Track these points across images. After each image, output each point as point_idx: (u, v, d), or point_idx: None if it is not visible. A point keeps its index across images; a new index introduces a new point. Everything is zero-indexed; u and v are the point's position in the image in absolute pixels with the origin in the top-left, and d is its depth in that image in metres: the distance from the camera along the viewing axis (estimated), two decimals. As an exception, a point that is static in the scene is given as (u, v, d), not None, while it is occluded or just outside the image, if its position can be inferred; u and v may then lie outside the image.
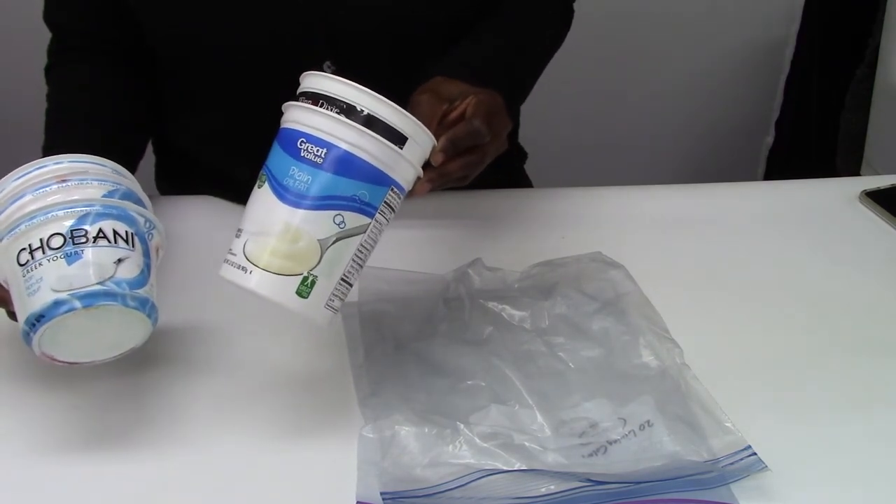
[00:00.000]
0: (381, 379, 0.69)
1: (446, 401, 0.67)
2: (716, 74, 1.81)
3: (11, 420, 0.66)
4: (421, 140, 0.60)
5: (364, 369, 0.70)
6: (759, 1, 1.73)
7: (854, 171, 1.57)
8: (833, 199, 0.95)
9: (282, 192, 0.57)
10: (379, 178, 0.58)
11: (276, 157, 0.58)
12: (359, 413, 0.67)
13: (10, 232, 0.58)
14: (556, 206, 0.93)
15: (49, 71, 0.86)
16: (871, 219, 0.92)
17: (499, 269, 0.80)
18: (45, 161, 0.62)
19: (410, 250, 0.83)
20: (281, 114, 0.61)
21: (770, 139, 1.89)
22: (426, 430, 0.64)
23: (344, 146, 0.57)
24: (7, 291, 0.61)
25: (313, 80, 0.59)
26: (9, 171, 0.62)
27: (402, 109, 0.58)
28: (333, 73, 0.78)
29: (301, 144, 0.57)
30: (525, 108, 0.95)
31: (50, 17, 0.87)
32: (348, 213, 0.58)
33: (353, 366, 0.71)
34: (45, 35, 0.88)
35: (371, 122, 0.57)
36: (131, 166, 0.83)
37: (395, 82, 0.61)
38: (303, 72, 0.61)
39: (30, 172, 0.61)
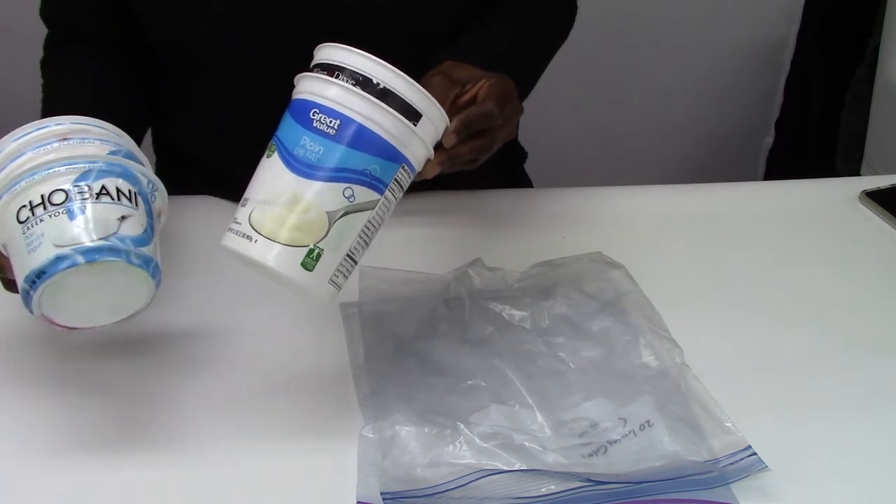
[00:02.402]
0: (381, 379, 0.69)
1: (446, 401, 0.67)
2: (716, 74, 1.81)
3: (11, 420, 0.66)
4: (435, 118, 0.59)
5: (364, 369, 0.70)
6: (759, 1, 1.73)
7: (854, 171, 1.57)
8: (833, 199, 0.95)
9: (292, 161, 0.56)
10: (391, 154, 0.58)
11: (287, 127, 0.58)
12: (359, 413, 0.67)
13: (9, 189, 0.57)
14: (556, 206, 0.93)
15: (45, 63, 0.86)
16: (871, 219, 0.92)
17: (499, 269, 0.80)
18: (46, 122, 0.60)
19: (410, 250, 0.83)
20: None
21: (770, 139, 1.89)
22: (426, 430, 0.64)
23: (358, 118, 0.56)
24: (6, 258, 0.59)
25: (329, 52, 0.58)
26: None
27: (418, 85, 0.58)
28: None
29: (314, 115, 0.57)
30: (525, 108, 0.94)
31: (47, 14, 0.86)
32: (358, 186, 0.57)
33: (353, 366, 0.71)
34: (43, 32, 0.87)
35: (386, 96, 0.57)
36: None
37: None
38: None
39: (30, 133, 0.60)
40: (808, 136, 1.79)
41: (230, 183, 0.89)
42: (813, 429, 0.67)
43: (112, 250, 0.55)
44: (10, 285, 0.61)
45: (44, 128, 0.60)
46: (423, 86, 0.66)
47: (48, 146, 0.59)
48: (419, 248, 0.85)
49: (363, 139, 0.56)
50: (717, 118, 1.88)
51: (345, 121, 0.56)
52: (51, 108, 0.81)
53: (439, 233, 0.88)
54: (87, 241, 0.55)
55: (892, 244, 0.89)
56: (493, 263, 0.80)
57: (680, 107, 1.84)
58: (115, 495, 0.61)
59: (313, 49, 0.80)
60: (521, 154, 1.08)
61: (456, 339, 0.73)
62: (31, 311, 0.56)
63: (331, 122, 0.56)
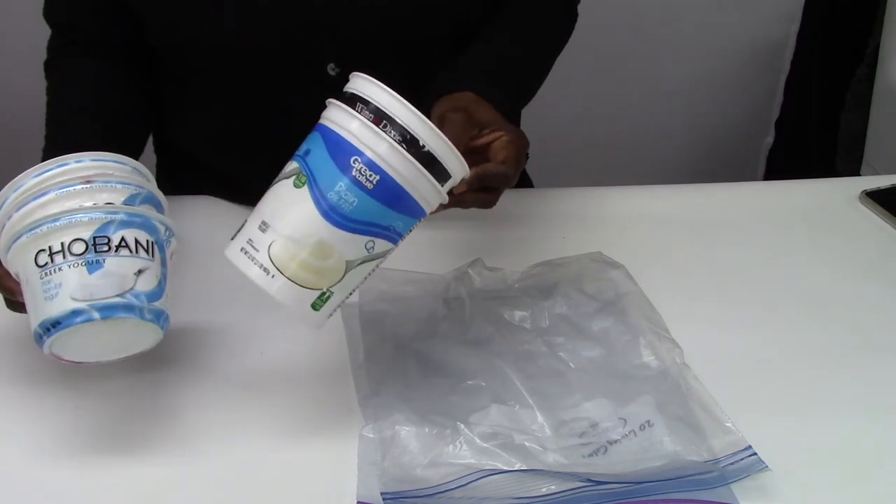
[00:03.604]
0: (382, 379, 0.69)
1: (447, 401, 0.67)
2: (716, 74, 1.81)
3: (12, 420, 0.67)
4: (459, 177, 0.60)
5: (364, 369, 0.70)
6: (759, 1, 1.73)
7: (854, 171, 1.57)
8: (833, 199, 0.95)
9: (324, 205, 0.56)
10: (417, 212, 0.59)
11: (323, 164, 0.56)
12: (359, 413, 0.67)
13: (30, 230, 0.57)
14: (556, 206, 0.93)
15: (48, 65, 0.86)
16: (871, 219, 0.92)
17: (499, 269, 0.80)
18: (66, 159, 0.60)
19: (410, 250, 0.83)
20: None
21: (770, 139, 1.89)
22: (426, 430, 0.64)
23: (399, 180, 0.56)
24: (18, 284, 0.60)
25: (377, 93, 0.57)
26: (9, 171, 0.62)
27: (455, 150, 0.58)
28: (338, 75, 0.77)
29: (355, 163, 0.56)
30: (526, 108, 0.95)
31: (50, 15, 0.87)
32: (380, 240, 0.58)
33: (353, 366, 0.71)
34: (46, 34, 0.88)
35: (430, 161, 0.57)
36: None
37: (401, 81, 0.61)
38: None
39: (51, 170, 0.59)
40: (808, 136, 1.79)
41: (230, 183, 0.90)
42: (813, 429, 0.67)
43: (127, 307, 0.56)
44: (15, 306, 0.62)
45: (65, 165, 0.60)
46: (442, 120, 0.66)
47: (72, 188, 0.59)
48: (419, 248, 0.84)
49: (398, 199, 0.57)
50: (717, 118, 1.87)
51: (384, 178, 0.56)
52: (54, 112, 0.81)
53: (440, 233, 0.88)
54: (104, 298, 0.56)
55: (892, 244, 0.89)
56: (493, 263, 0.80)
57: (680, 107, 1.84)
58: (115, 495, 0.61)
59: (314, 47, 0.81)
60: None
61: (456, 339, 0.73)
62: (42, 350, 0.58)
63: (371, 175, 0.56)
